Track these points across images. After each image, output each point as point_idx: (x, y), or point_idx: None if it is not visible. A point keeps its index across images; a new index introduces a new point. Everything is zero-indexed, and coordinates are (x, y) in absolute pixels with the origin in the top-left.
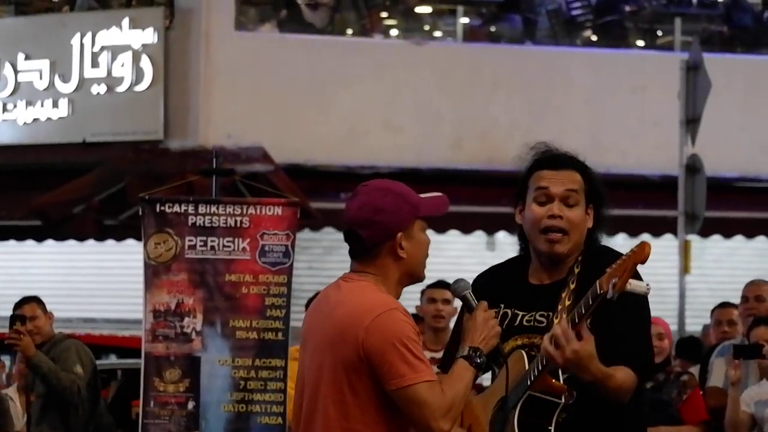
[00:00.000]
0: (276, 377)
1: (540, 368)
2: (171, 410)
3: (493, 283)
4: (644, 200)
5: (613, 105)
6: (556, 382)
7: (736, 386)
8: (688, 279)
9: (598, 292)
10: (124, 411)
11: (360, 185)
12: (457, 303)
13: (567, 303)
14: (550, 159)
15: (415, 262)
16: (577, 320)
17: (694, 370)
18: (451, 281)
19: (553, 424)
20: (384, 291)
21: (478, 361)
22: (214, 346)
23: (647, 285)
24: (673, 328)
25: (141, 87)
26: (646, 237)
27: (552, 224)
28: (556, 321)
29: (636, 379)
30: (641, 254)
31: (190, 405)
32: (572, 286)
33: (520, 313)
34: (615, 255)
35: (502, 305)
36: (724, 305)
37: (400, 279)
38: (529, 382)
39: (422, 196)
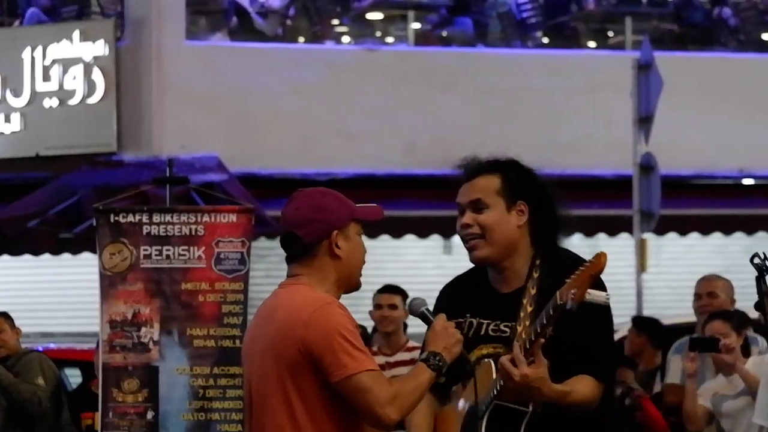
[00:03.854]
0: (234, 384)
1: (502, 383)
2: (130, 420)
3: (458, 293)
4: (599, 200)
5: (566, 106)
6: None
7: (693, 378)
8: (646, 277)
9: (558, 302)
10: (74, 423)
11: (296, 191)
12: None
13: (529, 309)
14: (467, 171)
15: (352, 263)
16: (539, 330)
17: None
18: (407, 286)
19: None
20: (320, 291)
21: (436, 363)
22: (171, 355)
23: (607, 295)
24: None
25: (93, 99)
26: (602, 236)
27: (464, 234)
28: (519, 329)
29: (599, 387)
30: (598, 265)
31: (149, 415)
32: (533, 292)
33: (485, 322)
34: (574, 259)
35: (468, 315)
36: (705, 278)
37: (337, 281)
38: (495, 392)
39: (360, 205)
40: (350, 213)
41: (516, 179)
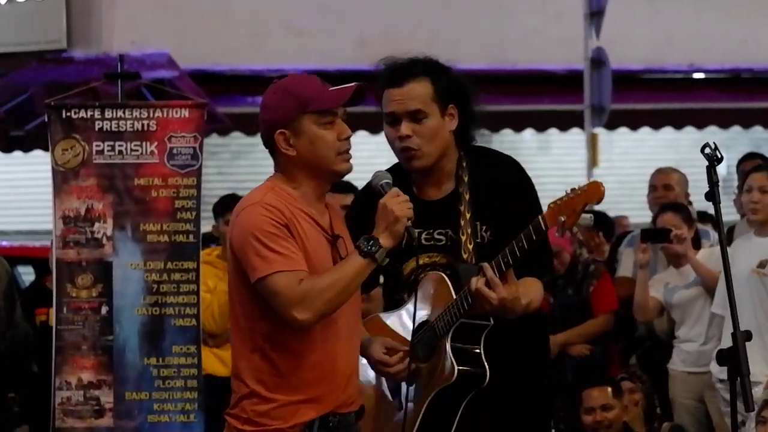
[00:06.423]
0: (188, 279)
1: (469, 302)
2: (85, 316)
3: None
4: (550, 94)
5: (516, 0)
6: None
7: (645, 269)
8: (597, 172)
9: (543, 228)
10: (28, 320)
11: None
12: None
13: (468, 216)
14: (394, 75)
15: (312, 157)
16: (518, 253)
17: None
18: (360, 183)
19: (482, 345)
20: (277, 187)
21: (368, 249)
22: (125, 250)
23: (591, 216)
24: None
25: None
26: (553, 131)
27: (403, 146)
28: (463, 238)
29: (542, 285)
30: (595, 194)
31: (104, 310)
32: (467, 197)
33: (417, 231)
34: (500, 158)
35: None
36: (661, 170)
37: (308, 175)
38: (461, 311)
39: (331, 89)
40: (299, 107)
41: (445, 82)
